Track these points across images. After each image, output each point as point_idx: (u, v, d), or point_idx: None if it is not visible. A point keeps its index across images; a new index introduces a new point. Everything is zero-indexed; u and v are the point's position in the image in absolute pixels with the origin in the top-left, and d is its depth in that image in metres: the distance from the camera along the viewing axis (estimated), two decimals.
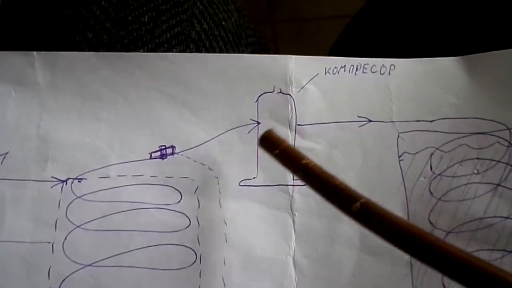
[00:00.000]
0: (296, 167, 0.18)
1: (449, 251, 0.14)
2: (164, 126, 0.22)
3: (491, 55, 0.22)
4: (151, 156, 0.21)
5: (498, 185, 0.21)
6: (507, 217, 0.20)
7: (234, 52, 0.28)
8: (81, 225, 0.20)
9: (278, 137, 0.19)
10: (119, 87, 0.22)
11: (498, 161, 0.21)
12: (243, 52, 0.29)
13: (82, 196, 0.20)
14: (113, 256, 0.20)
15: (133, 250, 0.20)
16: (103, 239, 0.20)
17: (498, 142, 0.21)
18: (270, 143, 0.19)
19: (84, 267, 0.20)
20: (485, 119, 0.21)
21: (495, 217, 0.20)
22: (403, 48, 0.27)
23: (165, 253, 0.20)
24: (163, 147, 0.22)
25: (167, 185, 0.21)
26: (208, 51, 0.27)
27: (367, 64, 0.23)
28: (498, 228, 0.20)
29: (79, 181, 0.21)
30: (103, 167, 0.21)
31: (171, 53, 0.22)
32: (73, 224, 0.20)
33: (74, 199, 0.20)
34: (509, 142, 0.21)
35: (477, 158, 0.21)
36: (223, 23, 0.28)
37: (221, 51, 0.27)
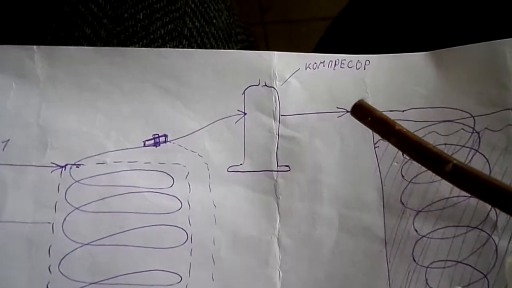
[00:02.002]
0: (390, 132, 0.19)
1: None
2: (157, 116, 0.23)
3: (456, 50, 0.23)
4: (145, 144, 0.22)
5: None
6: (471, 196, 0.22)
7: (224, 48, 0.29)
8: (80, 207, 0.21)
9: (369, 105, 0.19)
10: (115, 80, 0.23)
11: (463, 146, 0.22)
12: (232, 48, 0.30)
13: (80, 180, 0.21)
14: (110, 235, 0.21)
15: (128, 230, 0.21)
16: (100, 220, 0.21)
17: (463, 129, 0.22)
18: (362, 111, 0.19)
19: (82, 246, 0.20)
20: (452, 108, 0.23)
21: (459, 196, 0.22)
22: (379, 45, 0.28)
23: (158, 233, 0.21)
24: (157, 135, 0.22)
25: (160, 171, 0.22)
26: (199, 47, 0.27)
27: (344, 60, 0.24)
28: (462, 206, 0.21)
29: (77, 167, 0.21)
30: (100, 154, 0.22)
31: (164, 49, 0.23)
32: (72, 206, 0.21)
33: (73, 183, 0.21)
34: (473, 129, 0.22)
35: (445, 144, 0.23)
36: (214, 21, 0.29)
37: (212, 48, 0.28)
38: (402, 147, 0.19)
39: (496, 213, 0.21)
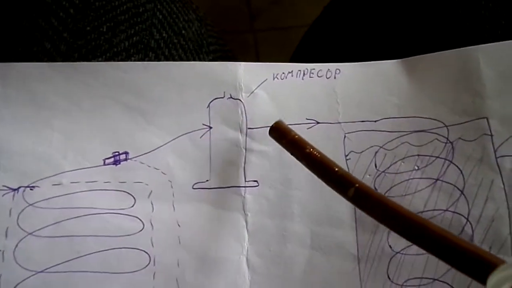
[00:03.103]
0: (301, 155, 0.19)
1: (436, 232, 0.15)
2: (117, 133, 0.21)
3: (428, 57, 0.22)
4: (104, 162, 0.21)
5: (437, 179, 0.21)
6: (446, 210, 0.20)
7: (194, 59, 0.28)
8: (33, 232, 0.20)
9: (286, 127, 0.20)
10: (73, 97, 0.21)
11: (437, 157, 0.21)
12: (204, 59, 0.29)
13: (34, 203, 0.20)
14: (65, 261, 0.19)
15: (85, 255, 0.20)
16: (55, 245, 0.20)
17: (437, 139, 0.21)
18: (278, 133, 0.20)
19: (35, 274, 0.19)
20: (425, 118, 0.22)
21: (434, 210, 0.20)
22: (353, 53, 0.27)
23: (117, 257, 0.20)
24: (117, 153, 0.21)
25: (121, 190, 0.21)
26: (167, 59, 0.26)
27: (314, 69, 0.23)
28: (438, 220, 0.20)
29: (31, 189, 0.20)
30: (56, 175, 0.20)
31: (124, 62, 0.22)
32: (25, 231, 0.19)
33: (26, 207, 0.20)
34: (447, 139, 0.21)
35: (418, 155, 0.21)
36: (183, 32, 0.28)
37: (180, 59, 0.27)
38: (311, 169, 0.19)
39: (472, 227, 0.20)
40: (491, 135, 0.20)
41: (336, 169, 0.18)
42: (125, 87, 0.21)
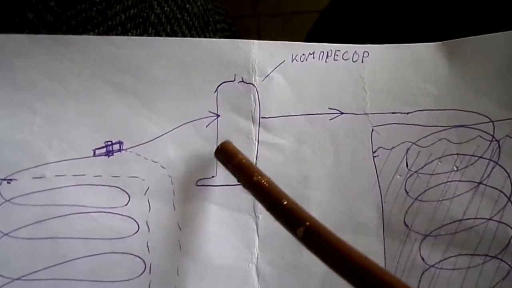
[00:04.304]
0: (247, 183, 0.17)
1: (388, 283, 0.13)
2: (110, 119, 0.19)
3: (474, 40, 0.19)
4: (94, 153, 0.18)
5: (480, 183, 0.18)
6: (489, 219, 0.18)
7: (199, 38, 0.25)
8: (10, 232, 0.17)
9: (233, 149, 0.18)
10: (58, 75, 0.18)
11: (480, 157, 0.18)
12: (210, 38, 0.26)
13: (11, 199, 0.17)
14: (48, 267, 0.17)
15: (71, 260, 0.17)
16: (36, 248, 0.17)
17: (480, 136, 0.19)
18: (225, 156, 0.18)
19: (11, 281, 0.17)
20: (466, 111, 0.19)
21: (476, 218, 0.18)
22: (380, 33, 0.24)
23: (108, 263, 0.17)
24: (109, 142, 0.19)
25: (113, 186, 0.18)
26: (169, 36, 0.23)
27: (339, 50, 0.20)
28: (479, 230, 0.18)
29: (8, 182, 0.17)
30: (37, 166, 0.18)
31: (117, 37, 0.19)
32: (0, 232, 0.17)
33: (2, 203, 0.17)
34: (492, 136, 0.18)
35: (457, 154, 0.19)
36: (188, 6, 0.25)
37: (184, 37, 0.24)
38: (259, 201, 0.17)
39: None
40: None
41: (285, 202, 0.15)
42: (118, 66, 0.19)
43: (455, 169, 0.18)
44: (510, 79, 0.19)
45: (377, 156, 0.19)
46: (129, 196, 0.18)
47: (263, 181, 0.16)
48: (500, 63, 0.19)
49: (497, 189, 0.18)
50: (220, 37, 0.27)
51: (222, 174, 0.19)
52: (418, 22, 0.22)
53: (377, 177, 0.19)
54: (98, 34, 0.21)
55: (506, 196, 0.18)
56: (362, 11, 0.26)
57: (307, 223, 0.15)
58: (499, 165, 0.18)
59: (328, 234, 0.14)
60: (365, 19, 0.25)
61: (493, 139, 0.18)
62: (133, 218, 0.18)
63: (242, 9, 0.70)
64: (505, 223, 0.18)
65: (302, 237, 0.15)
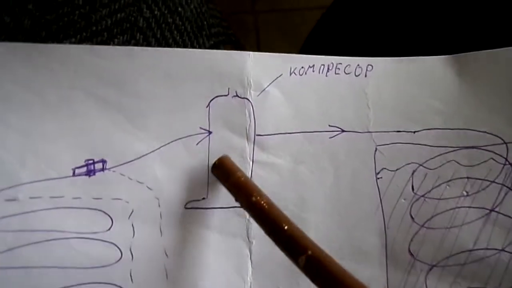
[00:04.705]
0: (245, 204, 0.16)
1: None
2: (92, 136, 0.17)
3: (485, 54, 0.18)
4: (74, 172, 0.17)
5: (492, 210, 0.17)
6: (502, 250, 0.17)
7: (192, 44, 0.24)
8: None
9: (232, 165, 0.17)
10: (35, 86, 0.17)
11: (492, 181, 0.17)
12: (203, 44, 0.25)
13: None
14: None
15: None
16: (7, 279, 0.15)
17: (492, 159, 0.17)
18: (222, 172, 0.17)
19: None
20: (478, 131, 0.18)
21: (487, 249, 0.17)
22: (384, 44, 0.23)
23: None
24: (91, 161, 0.17)
25: (94, 209, 0.17)
26: (159, 43, 0.22)
27: (340, 63, 0.18)
28: (491, 262, 0.17)
29: None
30: (10, 188, 0.16)
31: (100, 46, 0.18)
32: None
33: None
34: (506, 159, 0.17)
35: (468, 177, 0.18)
36: (180, 9, 0.23)
37: (175, 43, 0.23)
38: (258, 223, 0.16)
39: None
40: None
41: (286, 227, 0.15)
42: (102, 78, 0.17)
43: (465, 194, 0.17)
44: None
45: (381, 178, 0.18)
46: (112, 220, 0.17)
47: (262, 202, 0.15)
48: (511, 79, 0.18)
49: (510, 217, 0.17)
50: (214, 42, 0.26)
51: (213, 196, 0.18)
52: (428, 33, 0.21)
53: (380, 200, 0.18)
54: (81, 40, 0.20)
55: None
56: (366, 15, 0.25)
57: (309, 252, 0.14)
58: None
59: (331, 263, 0.14)
60: (370, 25, 0.24)
61: (507, 163, 0.17)
62: (115, 244, 0.17)
63: (240, 5, 0.69)
64: None
65: (304, 266, 0.14)
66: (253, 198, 0.15)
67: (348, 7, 0.27)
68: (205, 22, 0.25)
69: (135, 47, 0.17)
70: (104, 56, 0.17)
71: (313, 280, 0.14)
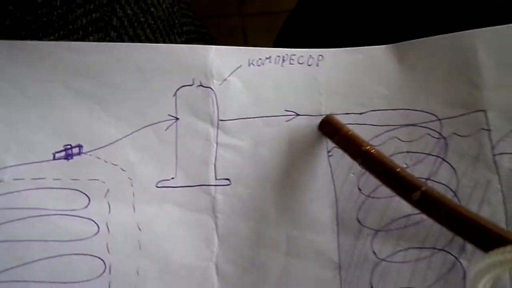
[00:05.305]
0: (356, 153, 0.18)
1: (505, 238, 0.14)
2: (70, 123, 0.19)
3: (419, 42, 0.20)
4: (54, 156, 0.19)
5: (428, 179, 0.19)
6: None
7: (163, 41, 0.26)
8: None
9: (338, 122, 0.19)
10: (18, 80, 0.19)
11: (428, 154, 0.20)
12: (175, 41, 0.27)
13: None
14: (6, 270, 0.17)
15: (30, 262, 0.18)
16: None
17: (428, 134, 0.20)
18: (330, 129, 0.19)
19: None
20: (416, 110, 0.20)
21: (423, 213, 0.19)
22: (339, 38, 0.25)
23: (67, 265, 0.18)
24: (69, 146, 0.19)
25: (73, 189, 0.19)
26: (132, 40, 0.24)
27: (294, 55, 0.21)
28: (427, 225, 0.19)
29: None
30: None
31: (76, 42, 0.20)
32: None
33: None
34: (440, 134, 0.20)
35: (407, 152, 0.20)
36: (152, 9, 0.25)
37: (148, 40, 0.25)
38: (368, 170, 0.18)
39: None
40: (489, 130, 0.19)
41: (398, 169, 0.17)
42: (78, 71, 0.19)
43: (405, 166, 0.20)
44: (455, 79, 0.20)
45: (332, 155, 0.20)
46: (89, 198, 0.19)
47: (372, 150, 0.18)
48: (446, 64, 0.20)
49: (444, 184, 0.19)
50: (186, 39, 0.28)
51: (181, 176, 0.20)
52: (372, 25, 0.23)
53: (332, 176, 0.20)
54: (59, 38, 0.22)
55: (452, 191, 0.19)
56: (327, 14, 0.27)
57: (423, 188, 0.16)
58: (446, 161, 0.19)
59: (443, 197, 0.16)
60: (328, 22, 0.26)
61: (441, 137, 0.19)
62: (93, 220, 0.19)
63: (227, 9, 0.70)
64: None
65: (418, 200, 0.16)
66: (363, 148, 0.18)
67: (311, 7, 0.29)
68: (176, 21, 0.27)
69: (109, 43, 0.20)
70: (80, 51, 0.19)
71: (427, 212, 0.16)
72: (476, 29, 0.20)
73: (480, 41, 0.19)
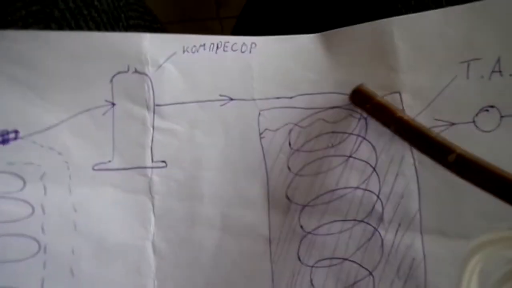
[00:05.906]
0: (390, 120, 0.19)
1: None
2: (5, 110, 0.20)
3: (342, 31, 0.22)
4: None
5: (350, 156, 0.21)
6: (357, 187, 0.20)
7: None
8: None
9: (370, 90, 0.20)
10: None
11: (350, 133, 0.21)
12: None
13: None
14: None
15: None
16: None
17: (351, 115, 0.21)
18: (361, 97, 0.20)
19: None
20: (341, 93, 0.22)
21: (346, 188, 0.21)
22: (286, 28, 0.27)
23: (1, 245, 0.19)
24: (5, 131, 0.20)
25: (8, 172, 0.20)
26: None
27: (228, 42, 0.22)
28: (349, 198, 0.20)
29: None
30: None
31: (10, 31, 0.20)
32: None
33: None
34: (361, 114, 0.21)
35: (332, 132, 0.21)
36: (96, 3, 0.26)
37: None
38: (402, 136, 0.19)
39: (382, 204, 0.20)
40: (403, 110, 0.21)
41: (432, 134, 0.18)
42: (11, 58, 0.20)
43: (330, 145, 0.21)
44: (375, 63, 0.21)
45: (264, 137, 0.21)
46: (24, 181, 0.19)
47: (405, 117, 0.18)
48: (367, 50, 0.21)
49: (364, 161, 0.21)
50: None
51: (118, 159, 0.21)
52: (308, 15, 0.25)
53: (264, 156, 0.21)
54: None
55: (372, 167, 0.21)
56: (269, 10, 0.29)
57: (458, 151, 0.17)
58: (366, 139, 0.21)
59: (478, 159, 0.17)
60: (279, 11, 0.28)
61: (361, 117, 0.21)
62: (28, 202, 0.19)
63: (205, 12, 0.71)
64: (370, 191, 0.20)
65: (453, 162, 0.17)
66: (397, 115, 0.19)
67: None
68: (122, 15, 0.28)
69: (42, 31, 0.20)
70: (13, 40, 0.20)
71: (462, 174, 0.17)
72: (393, 17, 0.21)
73: (397, 27, 0.21)
